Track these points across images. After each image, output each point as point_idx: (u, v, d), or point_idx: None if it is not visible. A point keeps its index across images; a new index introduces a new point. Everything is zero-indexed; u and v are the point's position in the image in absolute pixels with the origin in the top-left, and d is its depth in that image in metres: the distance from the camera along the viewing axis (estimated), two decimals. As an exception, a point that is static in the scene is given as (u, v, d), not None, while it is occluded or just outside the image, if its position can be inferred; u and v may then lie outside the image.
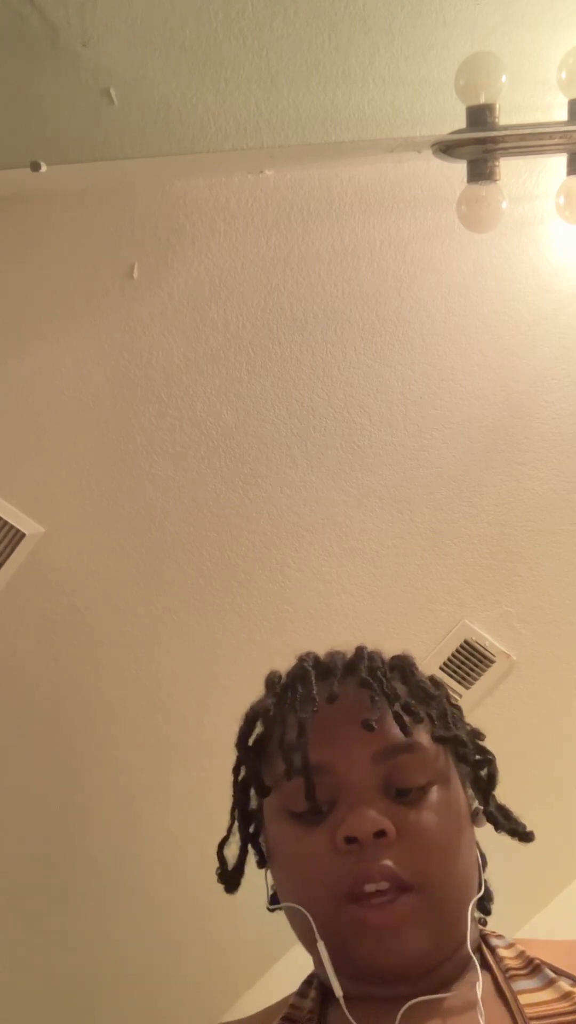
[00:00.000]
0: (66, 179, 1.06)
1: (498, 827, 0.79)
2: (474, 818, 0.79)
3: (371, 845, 0.69)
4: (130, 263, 1.13)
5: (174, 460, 1.19)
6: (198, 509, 1.20)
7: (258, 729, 0.81)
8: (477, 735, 0.82)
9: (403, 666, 0.81)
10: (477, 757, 0.79)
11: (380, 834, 0.69)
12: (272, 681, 0.82)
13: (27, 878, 1.27)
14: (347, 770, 0.72)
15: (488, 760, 0.80)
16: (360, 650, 0.81)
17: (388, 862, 0.69)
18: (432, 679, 0.83)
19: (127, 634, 1.23)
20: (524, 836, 0.80)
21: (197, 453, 1.19)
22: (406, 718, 0.74)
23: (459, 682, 1.26)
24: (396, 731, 0.74)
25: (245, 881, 0.83)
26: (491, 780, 0.80)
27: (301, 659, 0.81)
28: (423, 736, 0.75)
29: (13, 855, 1.27)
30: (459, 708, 0.82)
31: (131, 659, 1.23)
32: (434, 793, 0.73)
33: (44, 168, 0.96)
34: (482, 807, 0.80)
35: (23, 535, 1.16)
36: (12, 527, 1.16)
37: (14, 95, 1.04)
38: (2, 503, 1.16)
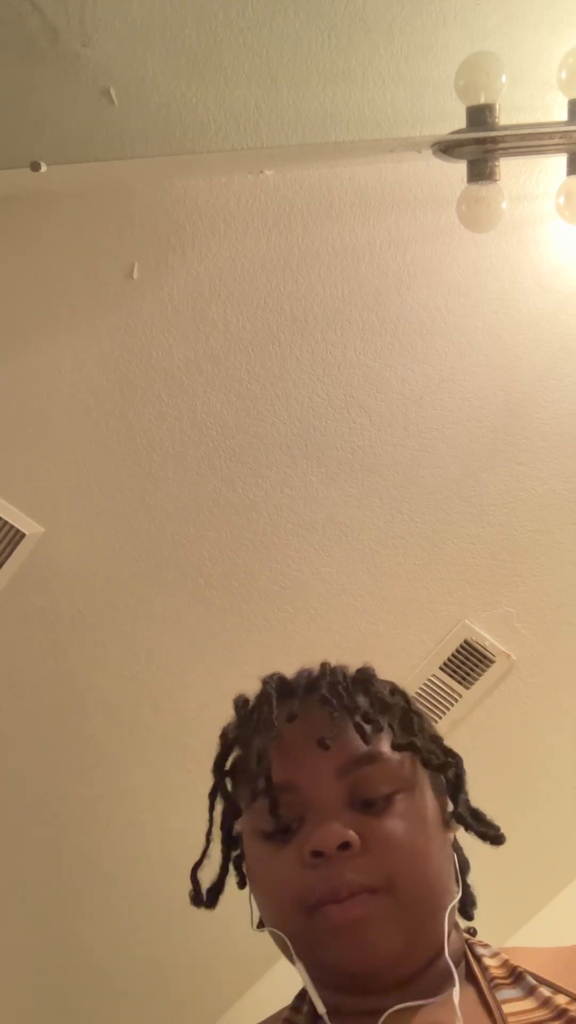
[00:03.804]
0: (66, 179, 1.06)
1: (468, 829, 0.79)
2: (449, 823, 0.79)
3: (337, 858, 0.70)
4: (130, 263, 1.13)
5: (174, 460, 1.19)
6: (198, 509, 1.20)
7: (235, 753, 0.82)
8: (436, 739, 0.82)
9: (364, 679, 0.82)
10: (441, 760, 0.79)
11: (345, 846, 0.70)
12: (238, 705, 0.83)
13: (26, 877, 1.28)
14: (311, 787, 0.73)
15: (449, 763, 0.79)
16: (323, 667, 0.82)
17: (355, 876, 0.70)
18: (392, 687, 0.83)
19: (127, 634, 1.23)
20: (495, 839, 0.79)
21: (197, 453, 1.19)
22: (366, 728, 0.74)
23: (459, 682, 1.26)
24: (357, 744, 0.74)
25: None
26: (458, 782, 0.80)
27: (264, 681, 0.82)
28: (385, 745, 0.76)
29: (12, 855, 1.27)
30: (420, 714, 0.82)
31: (131, 659, 1.23)
32: (400, 801, 0.74)
33: (44, 168, 0.96)
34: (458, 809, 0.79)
35: (23, 535, 1.16)
36: (12, 527, 1.16)
37: (14, 95, 1.04)
38: (2, 503, 1.16)
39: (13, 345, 1.15)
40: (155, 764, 1.26)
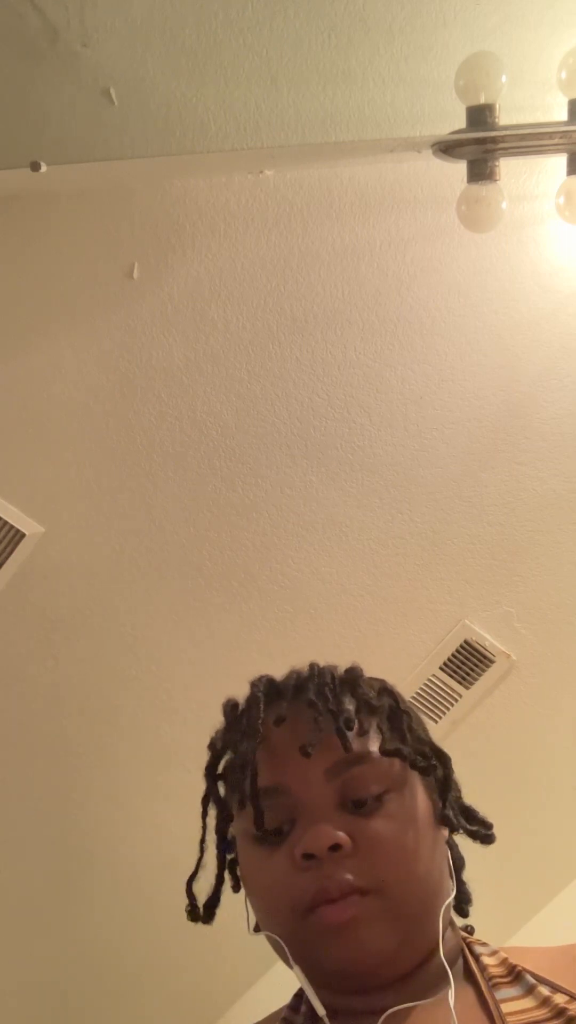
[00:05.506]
0: (66, 179, 1.06)
1: (454, 831, 0.79)
2: (441, 821, 0.79)
3: (328, 859, 0.70)
4: (130, 263, 1.13)
5: (174, 460, 1.19)
6: (198, 509, 1.20)
7: (225, 757, 0.82)
8: (425, 739, 0.82)
9: (352, 679, 0.81)
10: (428, 763, 0.78)
11: (335, 847, 0.70)
12: (226, 709, 0.83)
13: (26, 877, 1.28)
14: (301, 789, 0.73)
15: (434, 766, 0.79)
16: (311, 668, 0.82)
17: (347, 876, 0.70)
18: (381, 687, 0.82)
19: (127, 634, 1.23)
20: (485, 838, 0.80)
21: (197, 453, 1.19)
22: (348, 733, 0.74)
23: (459, 682, 1.26)
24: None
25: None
26: (446, 783, 0.79)
27: (253, 684, 0.81)
28: (375, 746, 0.76)
29: (12, 855, 1.27)
30: (409, 713, 0.82)
31: (131, 659, 1.23)
32: (391, 801, 0.74)
33: (44, 168, 0.96)
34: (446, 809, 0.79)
35: (23, 535, 1.16)
36: (12, 527, 1.16)
37: (14, 95, 1.04)
38: (2, 503, 1.16)
39: (13, 345, 1.15)
40: (155, 764, 1.26)
